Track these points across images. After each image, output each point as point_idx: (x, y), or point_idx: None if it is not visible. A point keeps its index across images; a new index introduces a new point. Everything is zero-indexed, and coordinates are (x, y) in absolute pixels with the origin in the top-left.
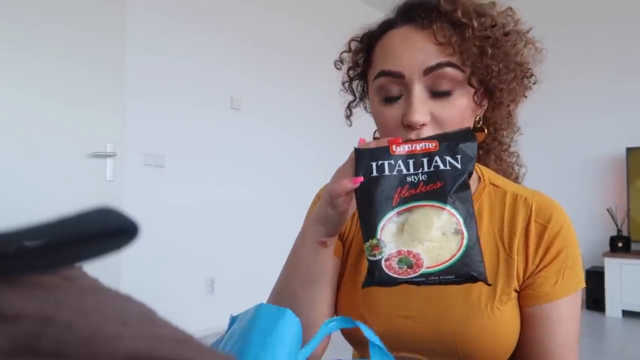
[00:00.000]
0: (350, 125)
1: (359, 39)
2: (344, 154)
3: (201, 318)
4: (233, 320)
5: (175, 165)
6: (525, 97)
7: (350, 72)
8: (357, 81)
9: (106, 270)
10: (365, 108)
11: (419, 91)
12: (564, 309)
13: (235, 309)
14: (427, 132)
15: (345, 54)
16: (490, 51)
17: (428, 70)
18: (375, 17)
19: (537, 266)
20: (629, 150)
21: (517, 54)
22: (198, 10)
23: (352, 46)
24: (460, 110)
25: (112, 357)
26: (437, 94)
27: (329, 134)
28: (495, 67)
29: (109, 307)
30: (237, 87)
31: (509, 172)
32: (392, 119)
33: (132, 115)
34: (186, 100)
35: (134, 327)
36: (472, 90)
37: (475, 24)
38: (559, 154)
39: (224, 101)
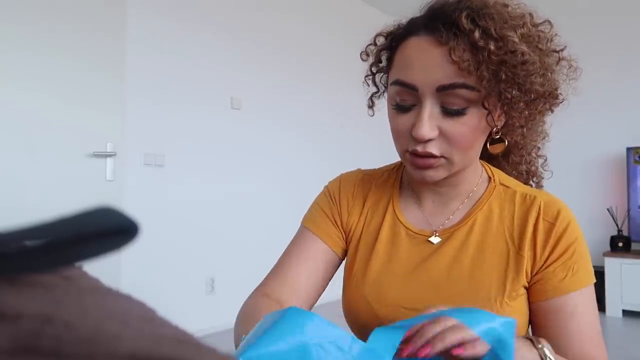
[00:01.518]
0: (373, 115)
1: (384, 35)
2: (345, 153)
3: (201, 318)
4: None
5: (175, 164)
6: (552, 111)
7: (373, 67)
8: (380, 74)
9: (106, 270)
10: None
11: (430, 106)
12: (576, 303)
13: (235, 309)
14: (433, 146)
15: (371, 47)
16: (504, 77)
17: (441, 88)
18: (375, 17)
19: (545, 262)
20: (629, 150)
21: (543, 76)
22: (198, 10)
23: (377, 41)
24: (471, 129)
25: (111, 356)
26: (448, 112)
27: (329, 133)
28: (509, 94)
29: (108, 306)
30: (237, 87)
31: (525, 177)
32: (402, 128)
33: (132, 114)
34: (186, 99)
35: (133, 327)
36: (486, 111)
37: (492, 48)
38: (559, 154)
39: (224, 101)
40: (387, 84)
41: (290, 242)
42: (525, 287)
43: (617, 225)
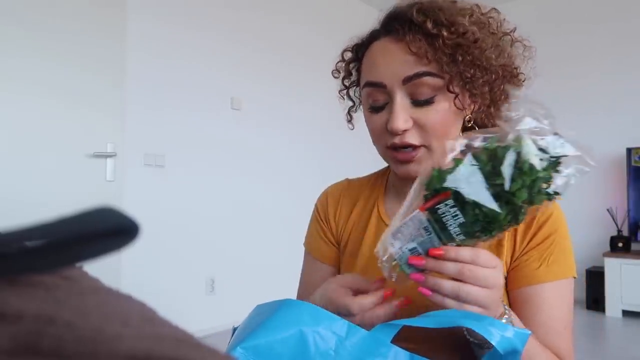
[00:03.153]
0: (353, 129)
1: (350, 49)
2: (344, 154)
3: (201, 318)
4: (234, 330)
5: (175, 165)
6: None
7: (345, 80)
8: (354, 87)
9: (106, 270)
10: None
11: (400, 99)
12: (547, 294)
13: (235, 309)
14: (410, 136)
15: (341, 64)
16: (460, 58)
17: (407, 80)
18: (375, 18)
19: (523, 250)
20: (629, 150)
21: (499, 56)
22: (198, 11)
23: (345, 56)
24: (442, 115)
25: (112, 356)
26: (418, 102)
27: (328, 134)
28: (468, 74)
29: (109, 306)
30: (237, 88)
31: None
32: (378, 126)
33: (133, 115)
34: (186, 100)
35: (134, 327)
36: (453, 95)
37: (445, 34)
38: None
39: (224, 101)
40: (361, 94)
41: (301, 270)
42: (505, 277)
43: (617, 225)
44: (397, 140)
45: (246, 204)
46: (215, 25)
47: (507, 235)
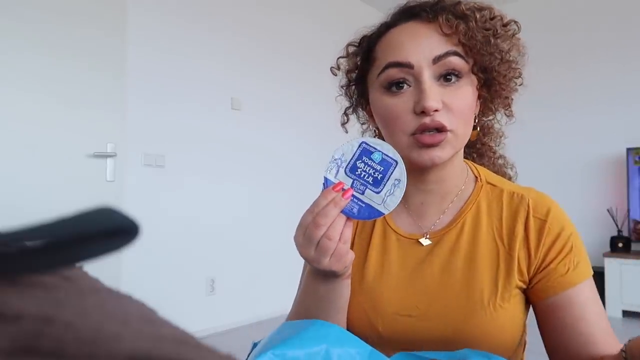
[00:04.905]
0: (347, 133)
1: (356, 44)
2: None
3: (201, 318)
4: (254, 346)
5: (175, 165)
6: (512, 99)
7: (349, 74)
8: (353, 87)
9: (106, 270)
10: (357, 118)
11: (428, 78)
12: (585, 293)
13: (235, 309)
14: (440, 117)
15: (343, 59)
16: (492, 41)
17: (437, 59)
18: (375, 17)
19: (544, 260)
20: (629, 150)
21: (510, 49)
22: (199, 10)
23: (349, 51)
24: (467, 99)
25: (112, 357)
26: (447, 80)
27: (329, 134)
28: (498, 56)
29: (109, 307)
30: (238, 88)
31: (502, 173)
32: (402, 109)
33: (133, 115)
34: (187, 100)
35: (134, 327)
36: (476, 82)
37: (477, 16)
38: (559, 154)
39: (224, 101)
40: (365, 92)
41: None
42: (521, 288)
43: (617, 225)
44: (427, 120)
45: (246, 204)
46: (216, 25)
47: (518, 245)
